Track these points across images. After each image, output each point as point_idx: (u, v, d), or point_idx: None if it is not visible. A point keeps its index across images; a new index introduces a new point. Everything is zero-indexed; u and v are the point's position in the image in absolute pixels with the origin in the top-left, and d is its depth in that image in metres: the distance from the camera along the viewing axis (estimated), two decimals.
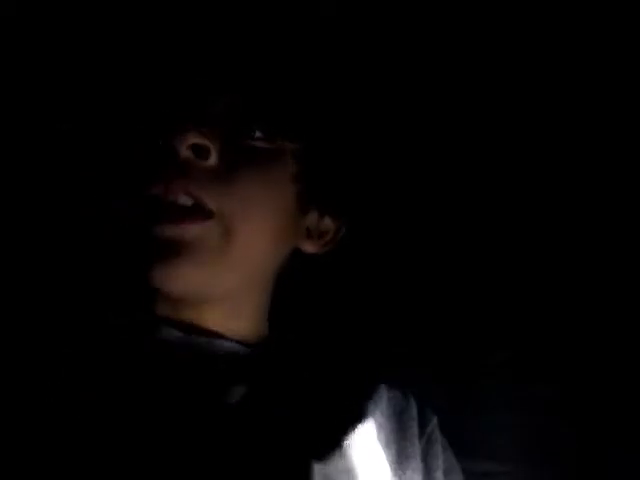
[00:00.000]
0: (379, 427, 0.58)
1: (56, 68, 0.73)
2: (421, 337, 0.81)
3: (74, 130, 0.70)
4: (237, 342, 0.60)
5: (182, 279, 0.54)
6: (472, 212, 0.83)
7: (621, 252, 0.81)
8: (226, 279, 0.57)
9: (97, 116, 0.63)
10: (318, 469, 0.50)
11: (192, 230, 0.54)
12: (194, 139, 0.54)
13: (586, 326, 0.80)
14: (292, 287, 0.68)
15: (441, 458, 0.61)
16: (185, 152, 0.54)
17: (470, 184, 0.84)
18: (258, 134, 0.58)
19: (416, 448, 0.59)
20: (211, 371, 0.55)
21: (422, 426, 0.61)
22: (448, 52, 0.83)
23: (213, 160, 0.55)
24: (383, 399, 0.61)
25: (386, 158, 0.79)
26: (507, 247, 0.83)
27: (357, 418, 0.57)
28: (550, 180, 0.83)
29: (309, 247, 0.65)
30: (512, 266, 0.83)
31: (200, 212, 0.54)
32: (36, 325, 0.59)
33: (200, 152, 0.55)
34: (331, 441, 0.53)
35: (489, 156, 0.84)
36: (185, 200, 0.54)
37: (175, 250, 0.53)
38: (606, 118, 0.83)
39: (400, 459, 0.58)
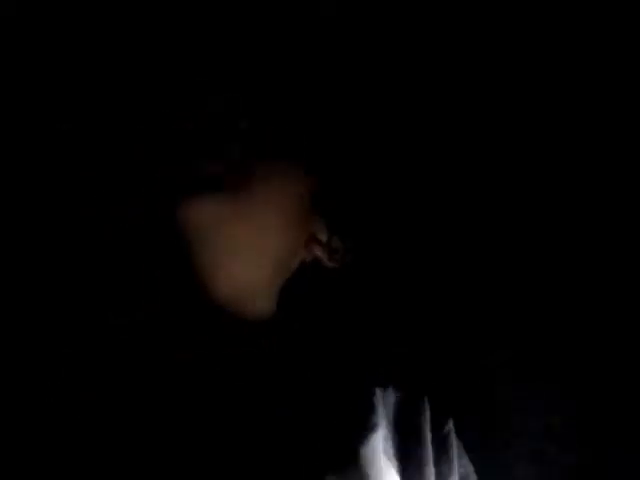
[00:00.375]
0: (388, 433, 0.57)
1: (56, 67, 0.73)
2: (421, 338, 0.81)
3: (74, 130, 0.70)
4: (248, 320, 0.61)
5: (205, 211, 0.58)
6: (473, 211, 0.83)
7: (620, 251, 0.81)
8: (241, 224, 0.60)
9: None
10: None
11: (216, 167, 0.59)
12: None
13: (587, 326, 0.80)
14: (299, 291, 0.68)
15: (456, 463, 0.59)
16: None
17: (469, 183, 0.84)
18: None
19: (429, 453, 0.58)
20: (222, 354, 0.57)
21: (436, 429, 0.59)
22: (449, 53, 0.83)
23: (235, 154, 0.60)
24: (392, 402, 0.59)
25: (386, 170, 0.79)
26: (507, 247, 0.82)
27: (367, 426, 0.56)
28: (551, 178, 0.83)
29: (318, 254, 0.66)
30: (512, 266, 0.83)
31: None
32: (40, 325, 0.59)
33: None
34: (342, 451, 0.53)
35: (489, 157, 0.84)
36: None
37: (201, 185, 0.58)
38: (606, 118, 0.83)
39: (410, 465, 0.56)
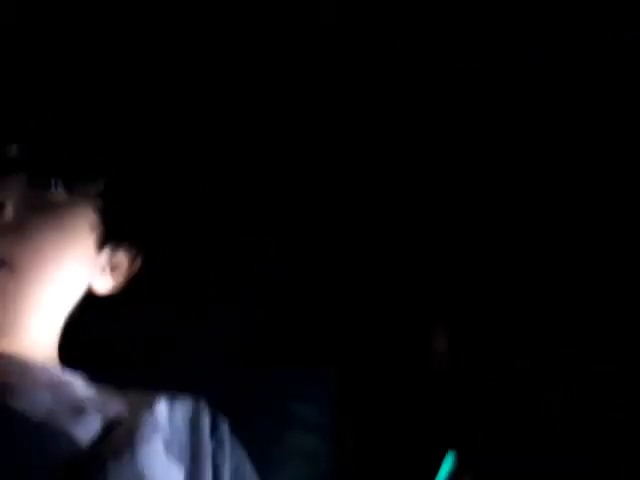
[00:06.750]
0: (170, 440, 0.61)
1: None
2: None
3: None
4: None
5: None
6: None
7: None
8: (17, 319, 0.62)
9: None
10: None
11: None
12: None
13: None
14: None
15: (229, 457, 0.65)
16: None
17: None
18: (57, 188, 0.64)
19: (209, 450, 0.63)
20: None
21: (214, 431, 0.65)
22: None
23: (8, 215, 0.61)
24: (166, 411, 0.64)
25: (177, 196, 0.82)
26: None
27: (148, 431, 0.59)
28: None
29: (102, 284, 0.70)
30: None
31: None
32: None
33: None
34: (122, 453, 0.56)
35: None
36: None
37: None
38: (606, 121, 0.83)
39: (196, 461, 0.62)
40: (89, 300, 0.69)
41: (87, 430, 0.56)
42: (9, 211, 0.61)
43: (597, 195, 0.83)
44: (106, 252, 0.69)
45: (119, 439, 0.57)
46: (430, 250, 0.87)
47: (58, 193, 0.64)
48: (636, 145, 0.81)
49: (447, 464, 0.77)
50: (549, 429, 0.78)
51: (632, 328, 0.79)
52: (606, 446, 0.75)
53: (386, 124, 0.85)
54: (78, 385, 0.63)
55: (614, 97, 0.81)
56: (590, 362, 0.79)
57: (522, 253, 0.85)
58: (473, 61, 0.82)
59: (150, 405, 0.63)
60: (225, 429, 0.66)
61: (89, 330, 0.73)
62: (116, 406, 0.62)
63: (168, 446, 0.60)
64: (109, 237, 0.68)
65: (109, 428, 0.58)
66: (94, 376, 0.66)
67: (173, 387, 0.67)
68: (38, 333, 0.66)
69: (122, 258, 0.71)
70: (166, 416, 0.63)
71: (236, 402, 0.75)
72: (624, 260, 0.81)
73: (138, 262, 0.72)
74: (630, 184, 0.82)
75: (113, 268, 0.71)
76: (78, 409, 0.58)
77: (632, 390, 0.76)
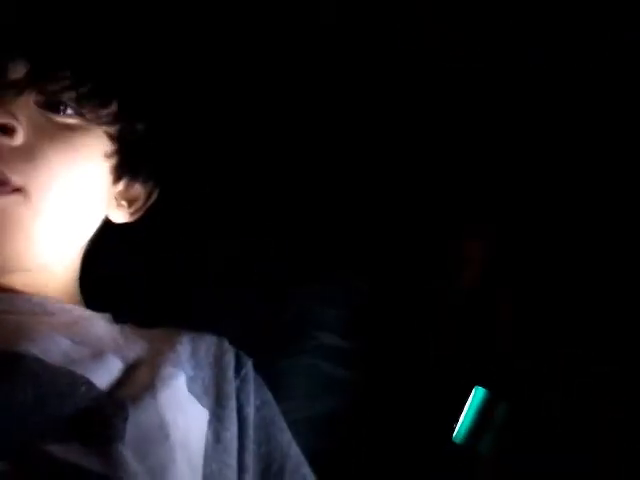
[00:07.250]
0: (193, 377, 0.60)
1: None
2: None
3: None
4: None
5: None
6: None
7: None
8: (34, 250, 0.59)
9: None
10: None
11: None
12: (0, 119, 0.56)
13: None
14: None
15: (253, 395, 0.64)
16: None
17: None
18: (69, 111, 0.60)
19: (233, 388, 0.62)
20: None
21: (238, 370, 0.64)
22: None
23: (19, 139, 0.57)
24: (188, 348, 0.62)
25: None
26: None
27: (170, 369, 0.58)
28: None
29: (118, 216, 0.68)
30: None
31: (6, 187, 0.56)
32: None
33: (6, 130, 0.57)
34: (143, 391, 0.54)
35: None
36: None
37: None
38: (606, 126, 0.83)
39: (219, 400, 0.60)
40: (107, 233, 0.67)
41: (107, 374, 0.54)
42: (19, 135, 0.57)
43: (597, 195, 0.83)
44: (122, 184, 0.67)
45: (140, 382, 0.55)
46: (429, 250, 0.87)
47: (68, 116, 0.60)
48: (636, 145, 0.82)
49: (475, 399, 0.78)
50: (549, 429, 0.78)
51: (632, 328, 0.79)
52: (606, 446, 0.75)
53: (386, 124, 0.85)
54: (98, 326, 0.61)
55: (614, 97, 0.81)
56: (590, 362, 0.78)
57: (520, 254, 0.85)
58: (473, 61, 0.82)
59: (172, 343, 0.61)
60: (249, 367, 0.65)
61: (109, 266, 0.71)
62: (137, 347, 0.60)
63: (191, 383, 0.59)
64: (125, 169, 0.65)
65: (129, 371, 0.56)
66: (115, 314, 0.64)
67: (192, 322, 0.66)
68: (56, 267, 0.63)
69: (139, 191, 0.69)
70: (189, 353, 0.61)
71: (258, 330, 0.75)
72: (624, 260, 0.81)
73: (155, 196, 0.70)
74: (630, 184, 0.82)
75: (130, 202, 0.69)
76: (98, 352, 0.56)
77: (632, 390, 0.76)
